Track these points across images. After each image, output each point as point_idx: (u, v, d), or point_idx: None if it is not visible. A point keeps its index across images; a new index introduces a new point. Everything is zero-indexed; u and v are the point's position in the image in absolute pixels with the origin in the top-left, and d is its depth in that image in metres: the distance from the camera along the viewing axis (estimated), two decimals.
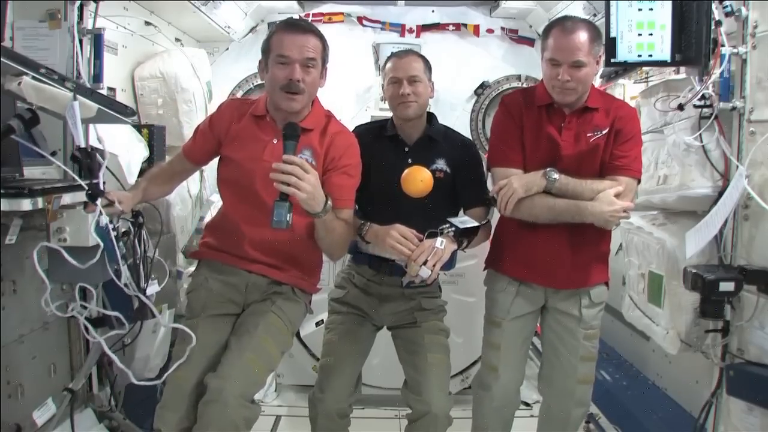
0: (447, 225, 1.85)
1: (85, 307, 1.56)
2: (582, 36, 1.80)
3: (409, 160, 1.99)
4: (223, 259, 1.86)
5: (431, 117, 2.11)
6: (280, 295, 1.86)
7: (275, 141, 1.81)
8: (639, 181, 1.93)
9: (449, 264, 2.15)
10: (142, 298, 1.69)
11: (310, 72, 1.76)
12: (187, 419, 1.64)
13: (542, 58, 1.90)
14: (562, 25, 1.86)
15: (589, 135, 1.89)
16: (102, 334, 2.08)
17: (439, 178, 2.00)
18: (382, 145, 2.06)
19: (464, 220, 1.90)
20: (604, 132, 1.89)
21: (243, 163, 1.82)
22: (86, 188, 1.49)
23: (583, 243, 1.92)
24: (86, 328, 1.61)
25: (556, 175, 1.83)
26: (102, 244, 1.51)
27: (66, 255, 1.48)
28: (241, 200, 1.83)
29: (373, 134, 2.09)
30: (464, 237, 1.88)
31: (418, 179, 1.89)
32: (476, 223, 1.91)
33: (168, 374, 1.68)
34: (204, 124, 1.92)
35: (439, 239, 1.80)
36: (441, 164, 2.01)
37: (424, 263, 1.76)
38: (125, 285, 1.65)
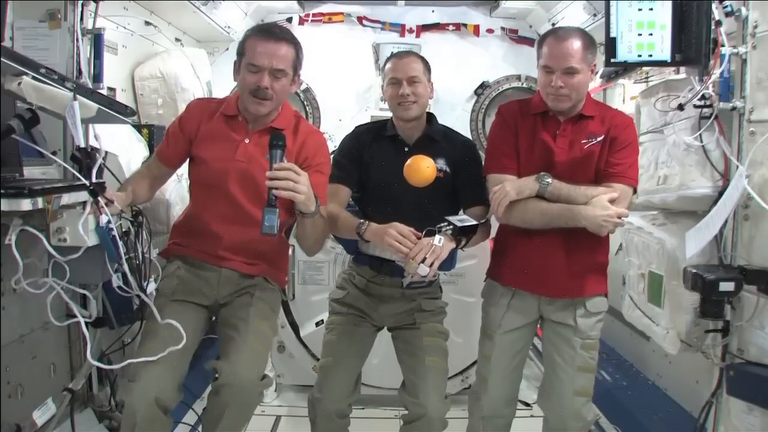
0: (445, 224, 1.85)
1: (58, 283, 1.55)
2: (575, 43, 1.82)
3: None
4: (195, 254, 1.90)
5: (431, 117, 2.11)
6: (255, 287, 1.93)
7: (247, 141, 1.86)
8: (635, 190, 1.91)
9: (449, 264, 2.14)
10: (143, 297, 1.70)
11: (279, 80, 1.81)
12: (153, 389, 1.66)
13: (537, 66, 1.91)
14: (556, 33, 1.89)
15: (583, 142, 1.89)
16: (102, 333, 2.09)
17: (439, 177, 2.00)
18: (382, 145, 2.06)
19: (463, 219, 1.90)
20: (599, 139, 1.89)
21: (215, 163, 1.85)
22: (88, 185, 1.50)
23: (579, 251, 1.90)
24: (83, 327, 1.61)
25: (549, 179, 1.82)
26: (88, 244, 1.50)
27: (46, 243, 1.48)
28: (214, 200, 1.86)
29: (373, 134, 2.09)
30: (462, 236, 1.87)
31: (423, 166, 1.88)
32: (475, 222, 1.91)
33: (137, 352, 1.73)
34: (174, 125, 1.94)
35: (437, 237, 1.80)
36: (441, 164, 2.01)
37: (423, 261, 1.76)
38: (127, 284, 1.66)
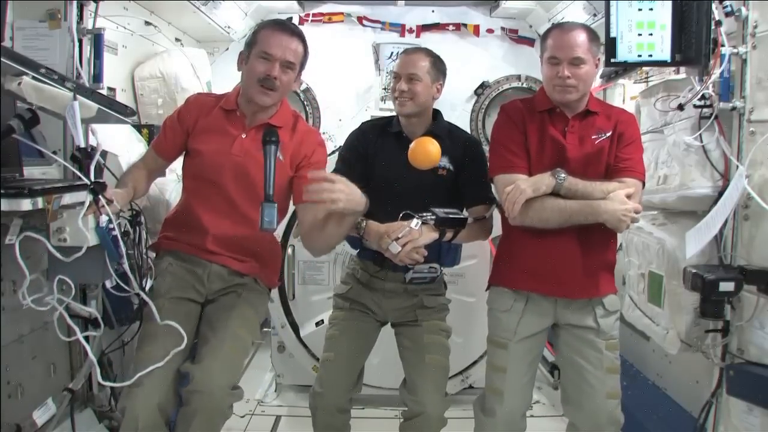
0: (429, 213, 1.86)
1: (63, 301, 1.55)
2: (581, 35, 1.82)
3: None
4: (185, 249, 1.90)
5: (437, 114, 2.12)
6: (244, 286, 1.92)
7: (244, 136, 1.87)
8: (643, 185, 1.90)
9: (451, 260, 2.16)
10: (143, 296, 1.69)
11: (287, 73, 1.83)
12: (156, 396, 1.65)
13: (542, 61, 1.90)
14: (561, 26, 1.90)
15: (593, 137, 1.88)
16: (101, 333, 2.08)
17: (441, 175, 2.01)
18: (387, 141, 2.07)
19: (447, 211, 1.90)
20: (608, 134, 1.88)
21: (211, 156, 1.85)
22: (89, 184, 1.50)
23: (592, 249, 1.88)
24: (85, 333, 1.61)
25: (563, 174, 1.78)
26: (89, 244, 1.51)
27: (49, 246, 1.49)
28: (207, 193, 1.87)
29: (378, 130, 2.11)
30: (446, 227, 1.88)
31: (428, 147, 1.88)
32: (460, 216, 1.91)
33: (136, 355, 1.72)
34: (172, 118, 1.95)
35: (414, 221, 1.83)
36: (444, 162, 2.01)
37: (397, 240, 1.80)
38: (126, 283, 1.66)
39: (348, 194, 1.64)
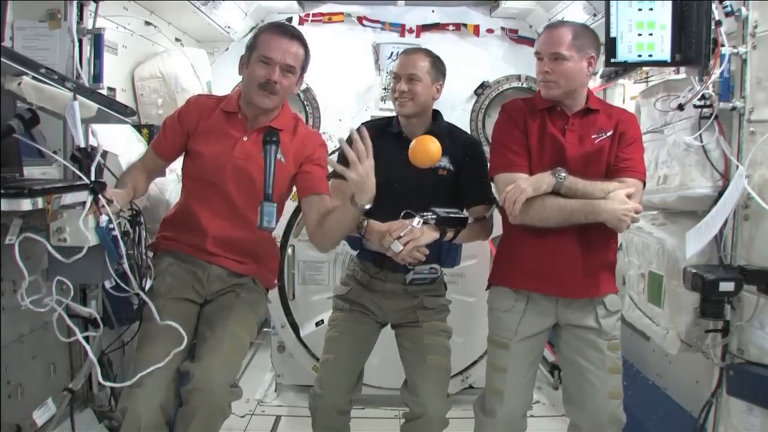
0: (429, 213, 1.87)
1: (61, 302, 1.55)
2: (565, 32, 1.83)
3: None
4: (184, 250, 1.90)
5: (437, 114, 2.12)
6: (243, 286, 1.93)
7: (245, 138, 1.87)
8: (644, 185, 1.90)
9: (452, 260, 2.16)
10: (143, 296, 1.69)
11: (288, 77, 1.84)
12: (158, 395, 1.65)
13: None
14: (552, 24, 1.93)
15: (593, 137, 1.88)
16: (101, 333, 2.08)
17: (442, 175, 2.01)
18: (386, 141, 2.07)
19: (448, 210, 1.91)
20: (608, 134, 1.88)
21: (212, 158, 1.86)
22: (89, 183, 1.50)
23: (593, 248, 1.88)
24: (84, 331, 1.61)
25: (564, 174, 1.78)
26: (89, 244, 1.51)
27: (50, 247, 1.49)
28: (207, 195, 1.87)
29: (378, 131, 2.11)
30: (447, 227, 1.88)
31: (429, 143, 1.88)
32: (461, 215, 1.91)
33: (137, 355, 1.72)
34: (172, 119, 1.95)
35: (416, 219, 1.84)
36: (444, 162, 2.02)
37: (399, 239, 1.80)
38: (126, 283, 1.66)
39: (364, 177, 1.67)
